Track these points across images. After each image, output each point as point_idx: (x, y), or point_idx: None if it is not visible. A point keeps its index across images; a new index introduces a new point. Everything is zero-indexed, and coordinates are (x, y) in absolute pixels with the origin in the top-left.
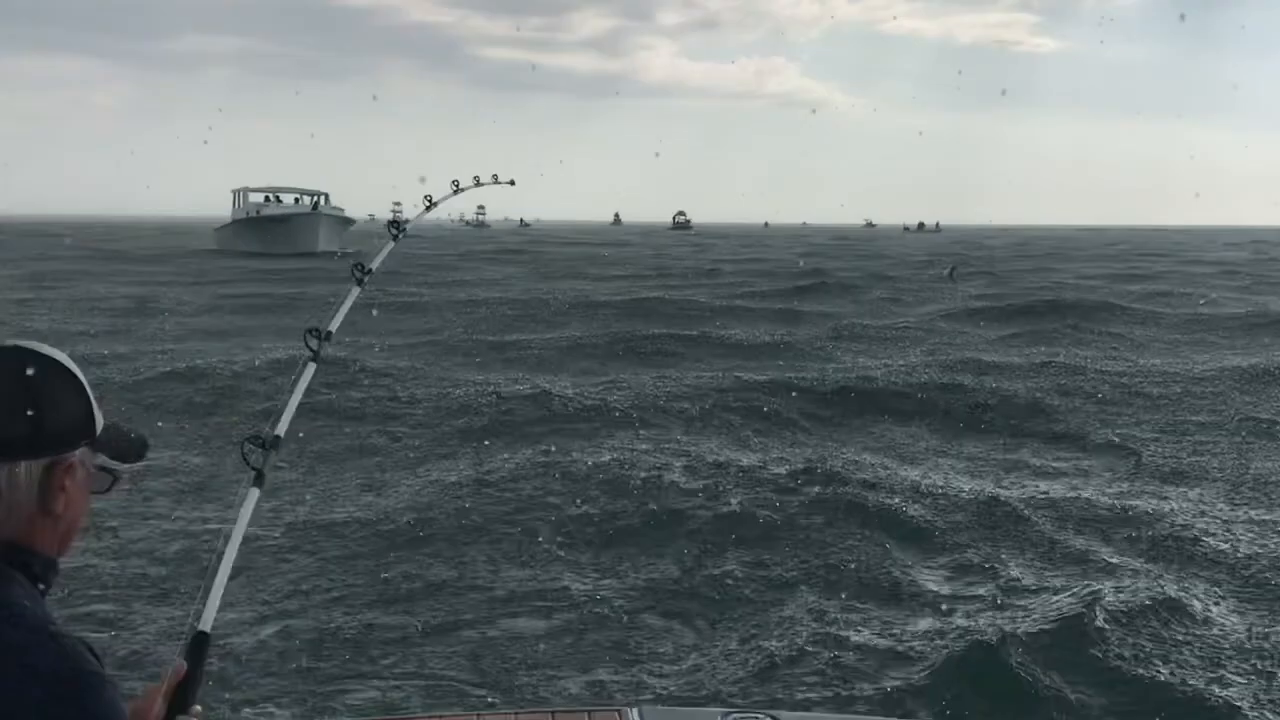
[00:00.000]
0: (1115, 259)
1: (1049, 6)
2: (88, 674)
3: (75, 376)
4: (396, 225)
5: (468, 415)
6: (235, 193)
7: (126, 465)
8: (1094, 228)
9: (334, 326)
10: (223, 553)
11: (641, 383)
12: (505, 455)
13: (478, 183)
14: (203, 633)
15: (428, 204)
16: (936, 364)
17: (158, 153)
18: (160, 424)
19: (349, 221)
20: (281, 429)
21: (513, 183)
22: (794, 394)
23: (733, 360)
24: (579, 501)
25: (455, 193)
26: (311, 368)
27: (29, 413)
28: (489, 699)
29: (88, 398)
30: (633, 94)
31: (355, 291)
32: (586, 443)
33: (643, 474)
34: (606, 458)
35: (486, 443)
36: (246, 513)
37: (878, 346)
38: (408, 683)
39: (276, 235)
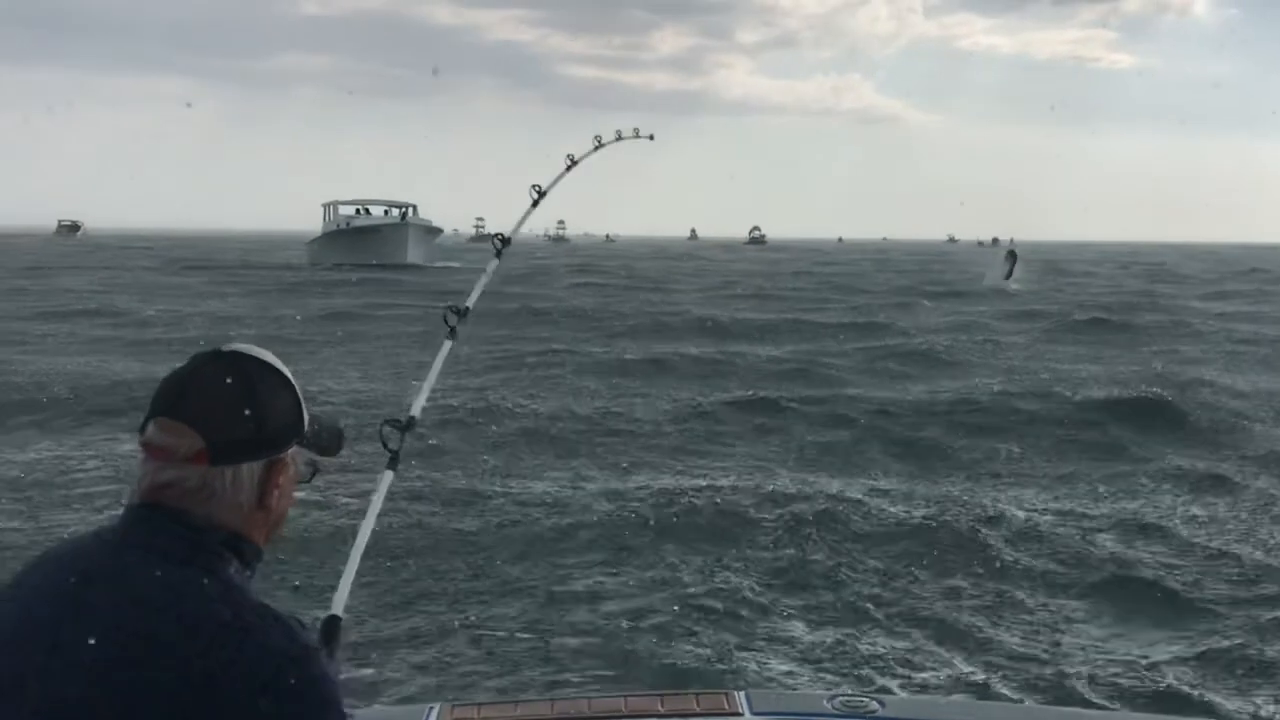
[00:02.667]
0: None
1: (1127, 23)
2: (314, 651)
3: (287, 378)
4: (538, 198)
5: (577, 423)
6: (325, 206)
7: (328, 459)
8: (1175, 244)
9: (472, 303)
10: (356, 536)
11: (740, 397)
12: (609, 457)
13: (619, 136)
14: (335, 616)
15: (570, 163)
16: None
17: (249, 168)
18: None
19: (436, 231)
20: (417, 409)
21: (651, 137)
22: (893, 411)
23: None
24: (682, 503)
25: (596, 149)
26: (448, 345)
27: (251, 416)
28: (598, 683)
29: (298, 398)
30: (711, 111)
31: (494, 264)
32: (697, 454)
33: (749, 480)
34: (713, 466)
35: (598, 446)
36: (380, 496)
37: (978, 360)
38: (519, 667)
39: (366, 246)
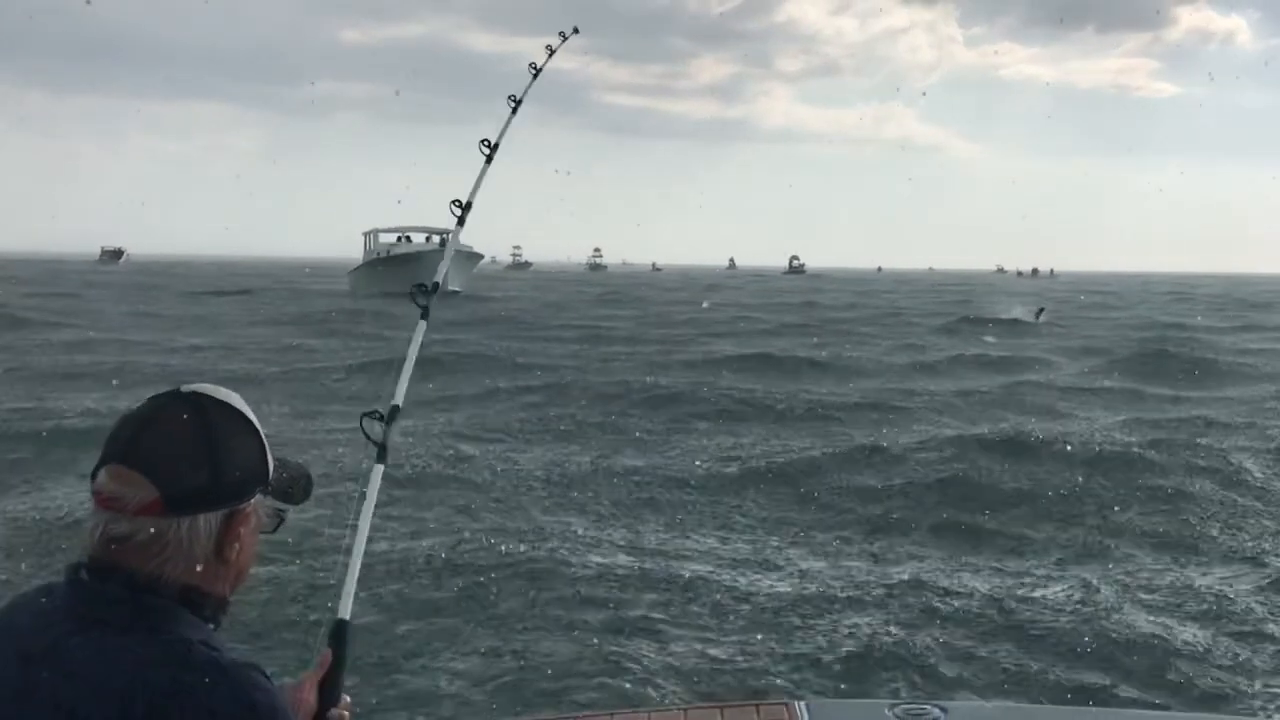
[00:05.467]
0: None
1: (1170, 52)
2: (261, 705)
3: (250, 422)
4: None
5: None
6: (366, 235)
7: (294, 505)
8: (1221, 275)
9: (440, 278)
10: (355, 538)
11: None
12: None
13: (550, 51)
14: (342, 620)
15: (513, 103)
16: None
17: (290, 195)
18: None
19: (477, 257)
20: (399, 397)
21: (576, 30)
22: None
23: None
24: (740, 518)
25: (535, 77)
26: (423, 326)
27: (209, 465)
28: (659, 695)
29: (262, 444)
30: (751, 139)
31: (486, 169)
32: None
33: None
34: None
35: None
36: (373, 492)
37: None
38: (579, 682)
39: (406, 273)
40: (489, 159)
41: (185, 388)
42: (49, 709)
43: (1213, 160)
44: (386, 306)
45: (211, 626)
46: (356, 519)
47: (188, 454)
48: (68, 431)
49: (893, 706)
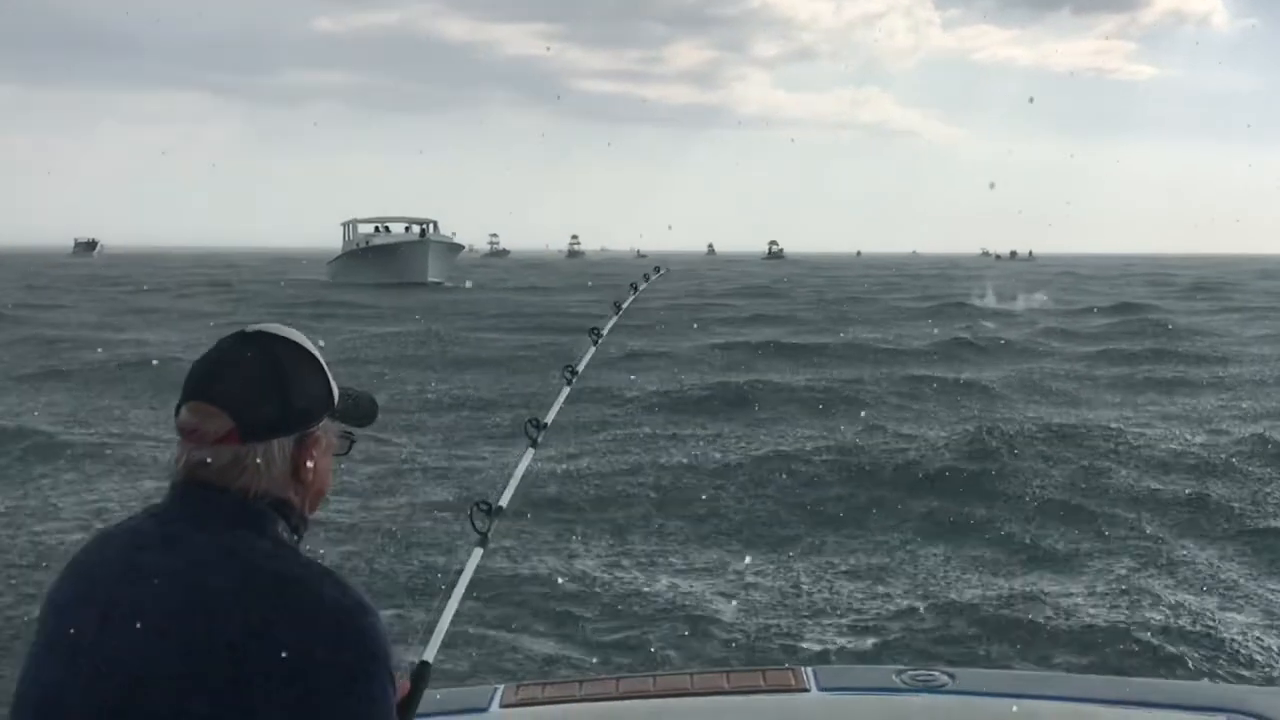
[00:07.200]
0: None
1: (1147, 34)
2: (365, 604)
3: (314, 355)
4: (596, 332)
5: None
6: (345, 225)
7: (362, 429)
8: (1196, 256)
9: (549, 420)
10: (446, 601)
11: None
12: (672, 452)
13: (646, 277)
14: (425, 662)
15: (616, 309)
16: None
17: (267, 185)
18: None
19: (458, 248)
20: (504, 500)
21: (669, 270)
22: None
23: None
24: (744, 488)
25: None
26: (530, 452)
27: (279, 395)
28: (665, 662)
29: (325, 374)
30: (728, 125)
31: (566, 391)
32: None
33: (817, 457)
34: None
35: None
36: (470, 568)
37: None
38: (588, 647)
39: (386, 265)
40: (569, 382)
41: (250, 328)
42: (164, 587)
43: (1190, 141)
44: (362, 298)
45: (296, 538)
46: (453, 587)
47: (258, 386)
48: (33, 432)
49: (900, 672)
